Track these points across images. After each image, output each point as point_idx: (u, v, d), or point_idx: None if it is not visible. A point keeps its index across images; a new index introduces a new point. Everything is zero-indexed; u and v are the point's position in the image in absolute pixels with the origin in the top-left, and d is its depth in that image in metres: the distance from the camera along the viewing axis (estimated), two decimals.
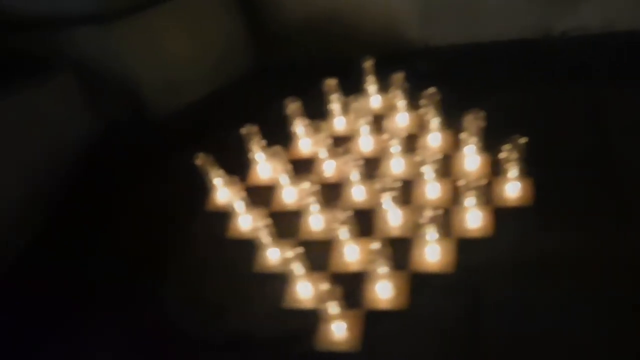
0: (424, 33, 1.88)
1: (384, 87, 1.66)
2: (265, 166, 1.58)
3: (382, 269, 1.19)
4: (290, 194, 1.49)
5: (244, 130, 1.54)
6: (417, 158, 1.39)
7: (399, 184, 1.34)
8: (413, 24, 1.88)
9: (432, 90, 1.45)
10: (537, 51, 1.75)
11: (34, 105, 1.68)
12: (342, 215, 1.27)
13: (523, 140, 1.25)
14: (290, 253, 1.21)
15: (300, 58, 1.95)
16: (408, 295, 1.21)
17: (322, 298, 1.14)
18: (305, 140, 1.62)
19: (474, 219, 1.30)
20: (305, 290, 1.26)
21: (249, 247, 1.39)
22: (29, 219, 1.62)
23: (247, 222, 1.45)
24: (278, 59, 1.99)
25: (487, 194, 1.33)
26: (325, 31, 1.93)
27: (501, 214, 1.31)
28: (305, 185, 1.36)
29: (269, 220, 1.32)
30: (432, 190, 1.40)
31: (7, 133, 1.59)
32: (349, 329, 1.17)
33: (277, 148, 1.47)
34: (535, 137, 1.30)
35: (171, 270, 1.42)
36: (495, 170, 1.40)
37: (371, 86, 1.67)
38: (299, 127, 1.61)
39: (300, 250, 1.23)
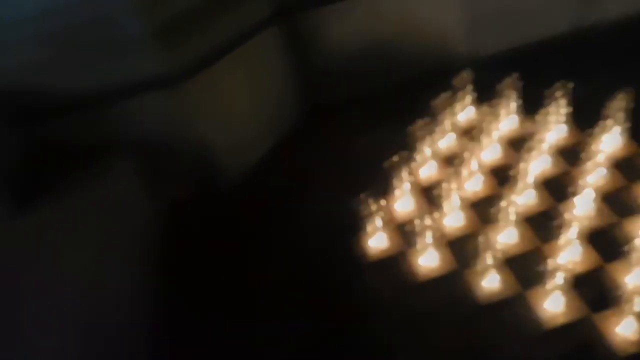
0: (471, 45, 1.92)
1: (484, 98, 1.65)
2: (408, 198, 1.45)
3: None
4: (458, 218, 1.38)
5: (386, 164, 1.41)
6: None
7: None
8: (460, 39, 1.90)
9: (563, 83, 1.47)
10: (580, 41, 1.90)
11: (98, 202, 1.35)
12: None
13: None
14: (556, 265, 1.11)
15: (355, 92, 1.87)
16: None
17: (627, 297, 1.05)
18: (431, 164, 1.54)
19: None
20: (558, 303, 1.16)
21: (448, 281, 1.26)
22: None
23: (434, 257, 1.31)
24: (333, 96, 1.88)
25: None
26: (376, 59, 1.87)
27: None
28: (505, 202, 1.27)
29: (495, 243, 1.20)
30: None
31: (83, 238, 1.26)
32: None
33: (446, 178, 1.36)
34: None
35: (380, 332, 1.21)
36: None
37: (468, 97, 1.65)
38: (425, 151, 1.52)
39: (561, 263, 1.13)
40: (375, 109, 1.81)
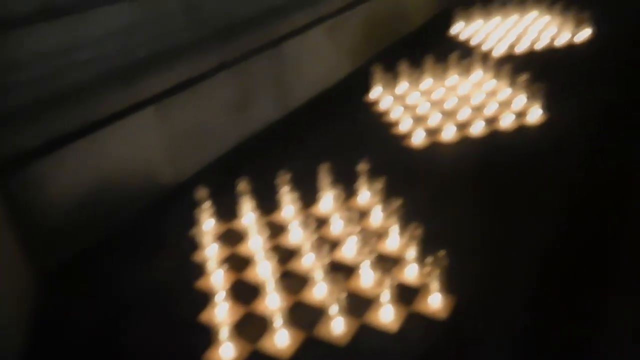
0: (174, 173, 2.13)
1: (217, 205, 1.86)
2: (225, 304, 1.51)
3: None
4: (275, 298, 1.53)
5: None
6: None
7: None
8: (164, 170, 2.09)
9: (281, 174, 1.83)
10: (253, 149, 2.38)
11: None
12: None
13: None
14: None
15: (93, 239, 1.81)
16: None
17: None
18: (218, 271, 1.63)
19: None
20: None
21: (310, 346, 1.39)
22: None
23: (285, 335, 1.41)
24: (73, 250, 1.76)
25: None
26: (100, 202, 1.86)
27: None
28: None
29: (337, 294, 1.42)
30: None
31: None
32: None
33: None
34: None
35: None
36: None
37: (205, 212, 1.83)
38: (209, 264, 1.62)
39: None
40: (121, 250, 1.80)
